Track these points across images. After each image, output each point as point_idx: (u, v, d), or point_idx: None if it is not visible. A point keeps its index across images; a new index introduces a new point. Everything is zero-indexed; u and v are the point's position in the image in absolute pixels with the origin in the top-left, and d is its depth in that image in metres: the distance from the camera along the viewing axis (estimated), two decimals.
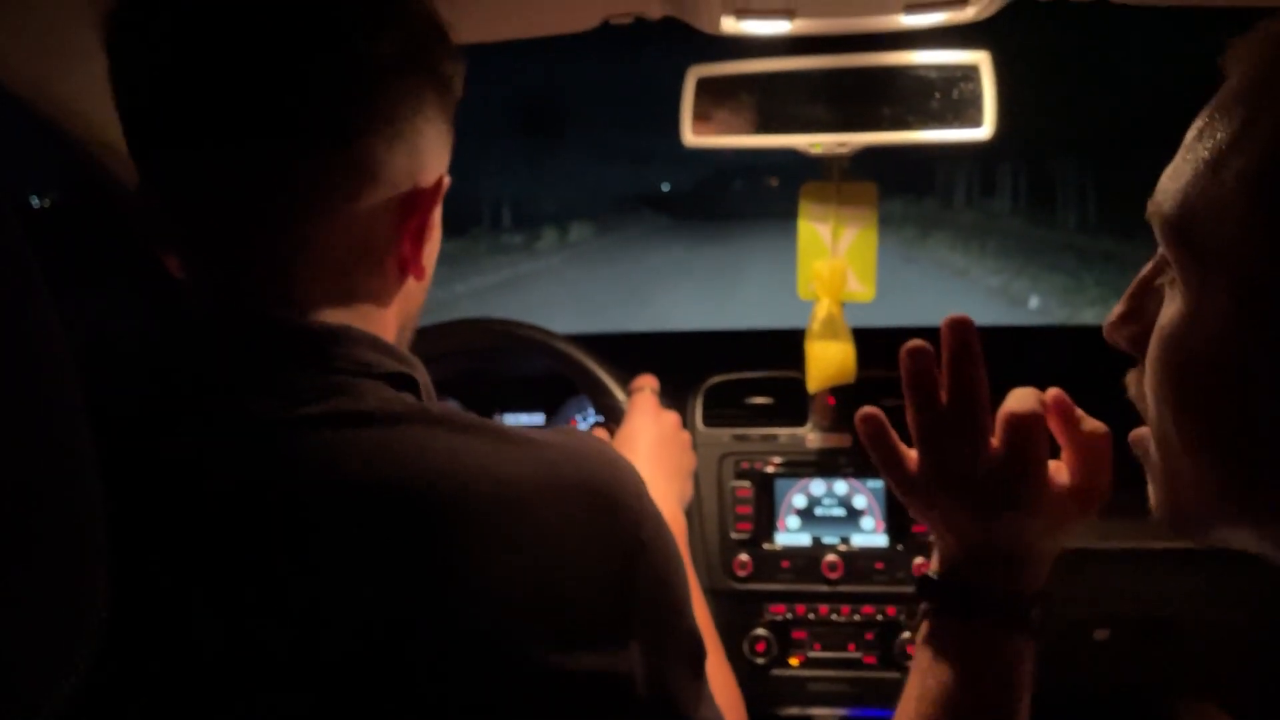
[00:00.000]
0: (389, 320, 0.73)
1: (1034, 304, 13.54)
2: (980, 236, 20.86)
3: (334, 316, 0.67)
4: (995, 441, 0.71)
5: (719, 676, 0.82)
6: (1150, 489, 0.59)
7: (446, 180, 0.73)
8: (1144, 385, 0.57)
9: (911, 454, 0.75)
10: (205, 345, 0.65)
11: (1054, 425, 0.73)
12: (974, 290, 14.97)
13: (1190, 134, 0.52)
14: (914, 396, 0.74)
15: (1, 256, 0.37)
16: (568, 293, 15.24)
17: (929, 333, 1.72)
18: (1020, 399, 0.71)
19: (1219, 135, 0.50)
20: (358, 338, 0.66)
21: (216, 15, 0.62)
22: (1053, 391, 0.73)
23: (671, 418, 1.17)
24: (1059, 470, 0.73)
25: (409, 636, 0.58)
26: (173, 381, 0.64)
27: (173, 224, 0.68)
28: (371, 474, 0.60)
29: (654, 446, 1.11)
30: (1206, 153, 0.50)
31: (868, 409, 0.77)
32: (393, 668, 0.58)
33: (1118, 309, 0.61)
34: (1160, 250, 0.55)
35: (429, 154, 0.70)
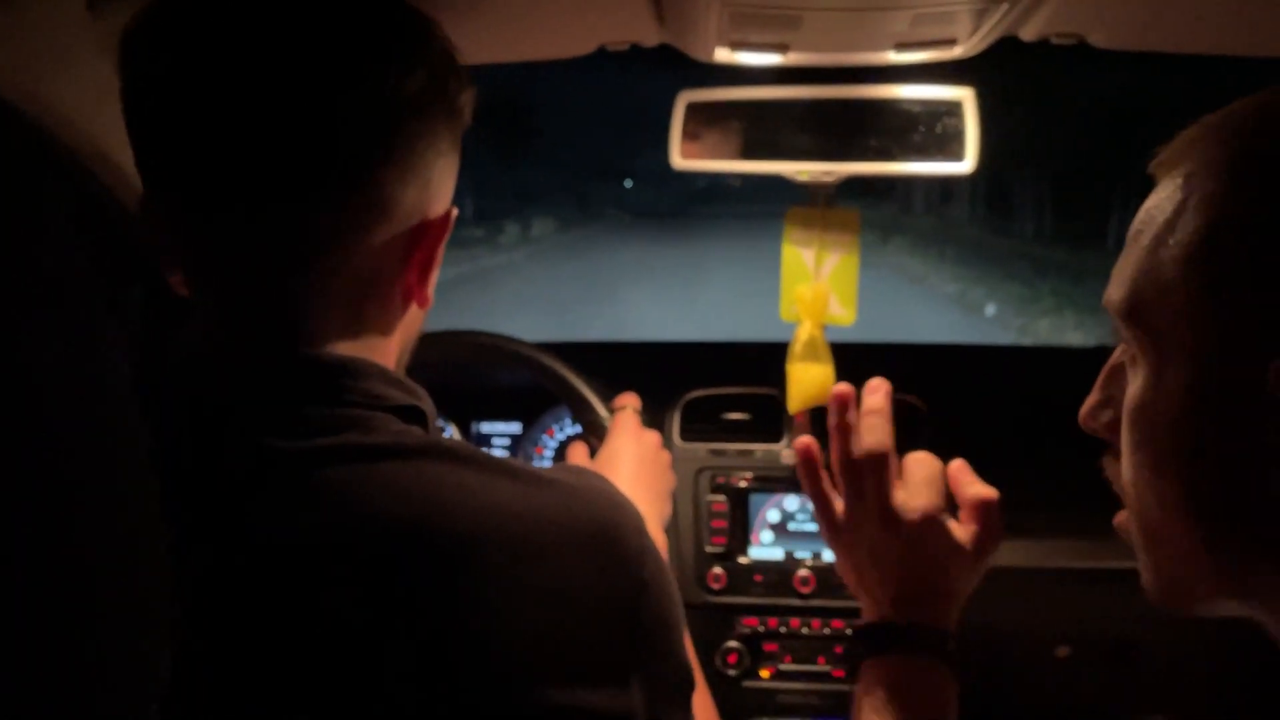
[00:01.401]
0: (392, 347, 0.74)
1: (990, 312, 13.72)
2: (939, 244, 21.06)
3: (343, 348, 0.68)
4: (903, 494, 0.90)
5: (701, 702, 0.85)
6: (1140, 568, 0.61)
7: (455, 212, 0.74)
8: (1121, 467, 0.60)
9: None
10: (216, 377, 0.66)
11: (952, 487, 0.93)
12: (931, 297, 15.12)
13: (1130, 231, 0.58)
14: (834, 442, 0.93)
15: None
16: (530, 289, 15.18)
17: (905, 351, 1.76)
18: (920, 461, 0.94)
19: (1155, 224, 0.55)
20: (368, 370, 0.67)
21: (245, 52, 0.62)
22: (955, 463, 0.95)
23: (653, 438, 1.19)
24: (956, 528, 0.90)
25: (417, 671, 0.59)
26: (183, 413, 0.65)
27: (182, 248, 0.68)
28: (384, 508, 0.61)
29: (635, 467, 1.13)
30: (1146, 240, 0.55)
31: (804, 440, 0.96)
32: (400, 703, 0.59)
33: (1091, 399, 0.64)
34: (1121, 337, 0.59)
35: (439, 186, 0.71)
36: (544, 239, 23.79)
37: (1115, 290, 0.58)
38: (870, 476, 0.90)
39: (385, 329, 0.72)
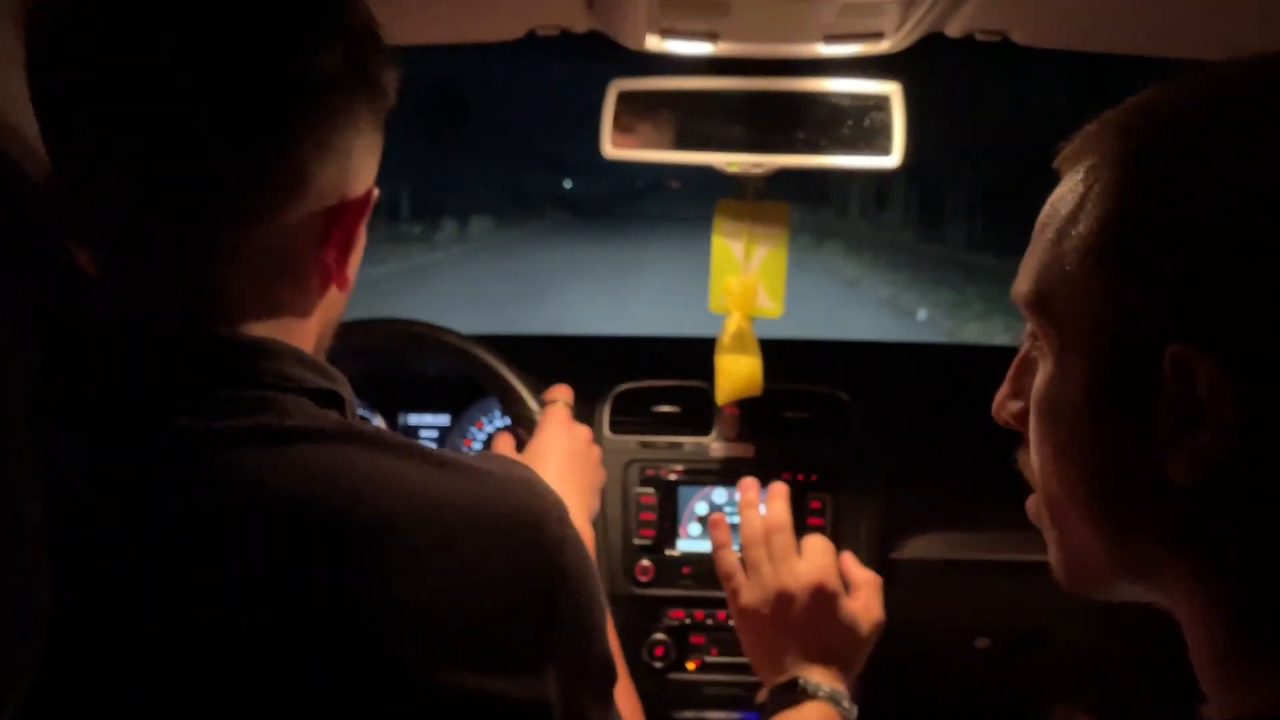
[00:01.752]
0: (310, 330, 0.72)
1: (922, 316, 13.95)
2: (872, 248, 21.33)
3: (257, 328, 0.66)
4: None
5: (623, 694, 0.84)
6: (1050, 554, 0.62)
7: (375, 193, 0.73)
8: (1030, 454, 0.61)
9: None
10: (125, 356, 0.63)
11: (843, 570, 1.05)
12: (865, 300, 15.35)
13: (1036, 224, 0.59)
14: (741, 519, 1.09)
15: None
16: (466, 287, 15.08)
17: (832, 347, 1.78)
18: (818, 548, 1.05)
19: (1059, 216, 0.56)
20: (283, 352, 0.65)
21: (152, 22, 0.60)
22: (845, 553, 1.08)
23: (583, 432, 1.18)
24: (847, 602, 1.02)
25: (324, 654, 0.58)
26: (91, 392, 0.63)
27: (90, 224, 0.66)
28: (293, 490, 0.60)
29: (565, 461, 1.12)
30: (1050, 233, 0.56)
31: (716, 517, 1.14)
32: (306, 686, 0.58)
33: (1001, 390, 0.65)
34: (1029, 327, 0.60)
35: (359, 165, 0.70)
36: (482, 237, 23.61)
37: (1022, 283, 0.59)
38: (772, 550, 1.03)
39: (302, 310, 0.70)
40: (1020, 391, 0.63)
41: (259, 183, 0.63)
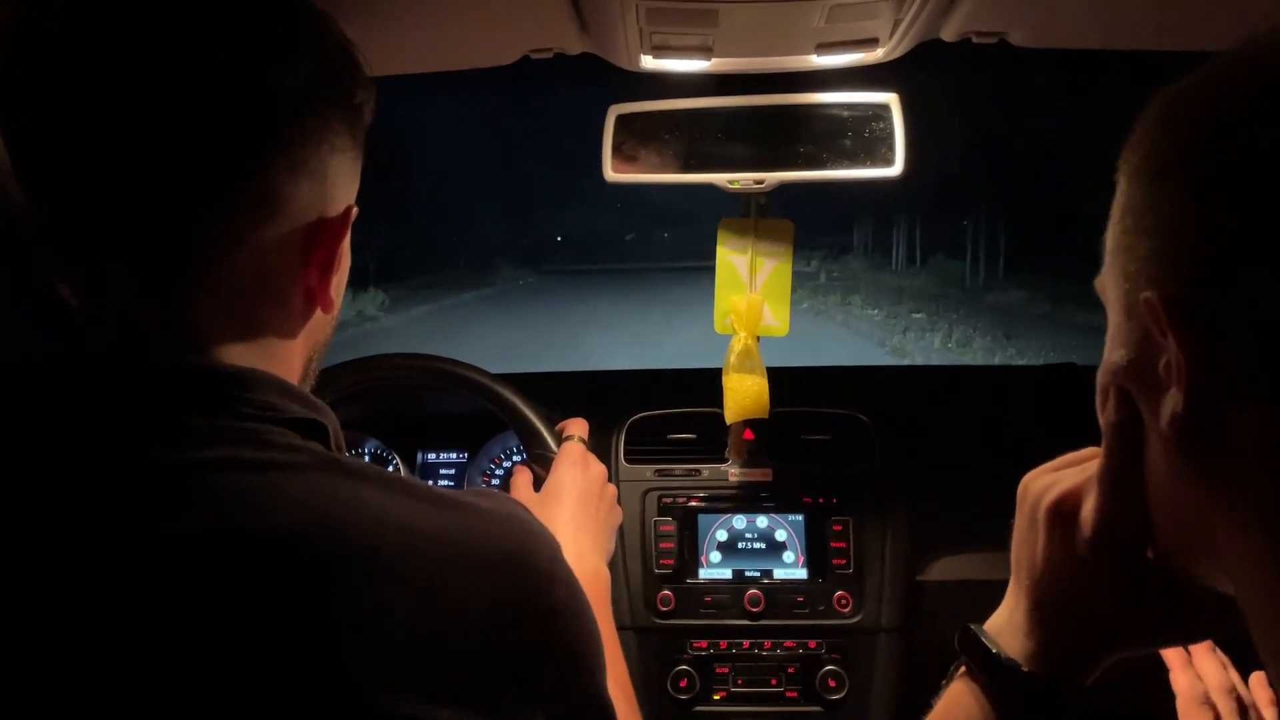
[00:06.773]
0: (295, 354, 0.71)
1: None
2: (963, 315, 18.32)
3: (239, 355, 0.65)
4: None
5: None
6: None
7: (354, 210, 0.72)
8: None
9: None
10: (103, 388, 0.62)
11: None
12: None
13: None
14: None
15: None
16: None
17: (848, 372, 1.76)
18: None
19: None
20: (264, 381, 0.64)
21: (122, 44, 0.60)
22: None
23: (598, 471, 1.16)
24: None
25: (293, 682, 0.56)
26: (69, 425, 0.61)
27: (63, 255, 0.65)
28: (269, 518, 0.58)
29: (579, 502, 1.11)
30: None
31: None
32: (275, 712, 0.55)
33: None
34: None
35: (336, 184, 0.69)
36: (382, 316, 20.69)
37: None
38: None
39: (286, 334, 0.69)
40: None
41: (231, 204, 0.62)
